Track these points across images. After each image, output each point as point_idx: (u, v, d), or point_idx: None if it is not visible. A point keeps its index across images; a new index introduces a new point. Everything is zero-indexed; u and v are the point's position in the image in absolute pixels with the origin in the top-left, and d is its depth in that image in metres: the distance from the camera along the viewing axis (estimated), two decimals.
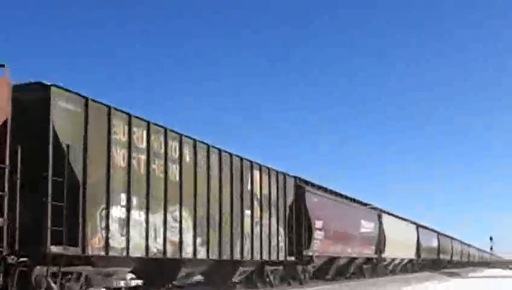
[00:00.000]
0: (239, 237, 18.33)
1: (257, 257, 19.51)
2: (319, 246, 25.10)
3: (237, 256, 18.15)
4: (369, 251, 33.78)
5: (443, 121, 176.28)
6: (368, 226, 33.18)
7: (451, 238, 74.49)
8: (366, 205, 35.95)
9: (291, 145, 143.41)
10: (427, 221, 59.70)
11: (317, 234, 24.84)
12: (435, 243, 58.98)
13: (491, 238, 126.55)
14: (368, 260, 34.17)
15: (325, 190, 28.20)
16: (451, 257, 71.98)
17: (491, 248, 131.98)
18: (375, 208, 37.29)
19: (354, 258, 31.37)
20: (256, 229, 19.53)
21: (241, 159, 18.86)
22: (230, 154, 18.11)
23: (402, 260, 44.09)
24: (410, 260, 47.21)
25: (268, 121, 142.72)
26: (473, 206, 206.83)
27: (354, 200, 32.88)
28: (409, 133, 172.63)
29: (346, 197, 31.66)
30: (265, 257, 20.09)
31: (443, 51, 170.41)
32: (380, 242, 35.46)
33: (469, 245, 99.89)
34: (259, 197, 19.94)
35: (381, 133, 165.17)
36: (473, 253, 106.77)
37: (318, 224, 24.91)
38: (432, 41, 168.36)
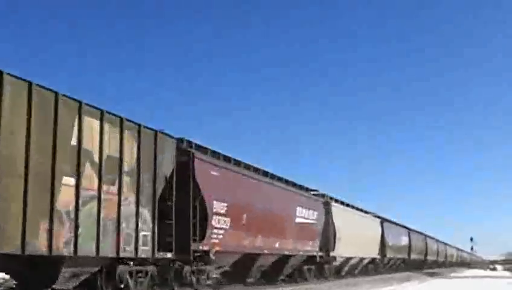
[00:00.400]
0: (45, 217, 11.31)
1: (90, 250, 12.49)
2: (224, 238, 18.11)
3: (40, 248, 11.11)
4: (311, 247, 26.80)
5: (425, 123, 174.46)
6: (307, 216, 26.20)
7: (426, 236, 68.71)
8: (309, 190, 28.85)
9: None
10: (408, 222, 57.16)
11: (218, 222, 17.81)
12: (405, 241, 52.77)
13: (471, 239, 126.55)
14: (310, 258, 26.97)
15: (238, 163, 20.99)
16: (425, 256, 66.21)
17: (472, 249, 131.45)
18: (322, 195, 30.28)
19: (288, 256, 24.25)
20: (89, 208, 12.49)
21: (57, 95, 11.88)
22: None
23: (361, 259, 37.32)
24: (373, 260, 40.53)
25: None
26: (454, 207, 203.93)
27: (287, 182, 25.63)
28: (390, 134, 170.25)
29: (276, 178, 24.42)
30: (108, 251, 13.04)
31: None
32: (327, 237, 28.63)
33: (446, 244, 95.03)
34: (97, 159, 12.92)
35: (363, 132, 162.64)
36: (451, 253, 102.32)
37: (219, 207, 17.87)
38: (442, 56, 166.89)
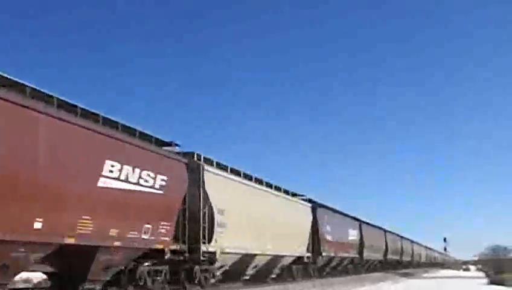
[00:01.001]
0: None
1: None
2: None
3: None
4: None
5: (398, 122, 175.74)
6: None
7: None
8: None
9: None
10: (381, 223, 57.45)
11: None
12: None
13: (445, 239, 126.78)
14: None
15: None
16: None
17: (445, 249, 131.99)
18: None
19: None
20: None
21: None
22: None
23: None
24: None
25: None
26: (427, 208, 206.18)
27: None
28: (363, 134, 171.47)
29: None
30: None
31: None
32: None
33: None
34: None
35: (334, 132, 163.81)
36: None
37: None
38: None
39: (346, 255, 38.75)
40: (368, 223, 47.97)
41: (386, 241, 56.19)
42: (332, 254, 34.80)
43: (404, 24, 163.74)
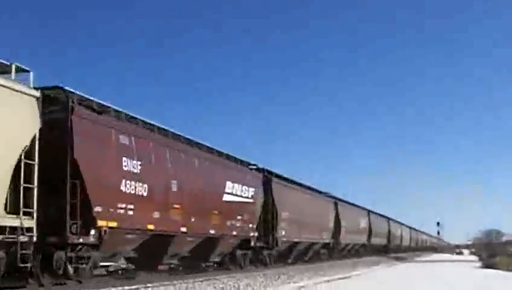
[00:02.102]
0: None
1: None
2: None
3: None
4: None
5: (393, 103, 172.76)
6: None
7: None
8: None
9: None
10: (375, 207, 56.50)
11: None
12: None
13: (438, 224, 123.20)
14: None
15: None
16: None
17: (438, 233, 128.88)
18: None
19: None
20: None
21: None
22: None
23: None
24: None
25: None
26: (420, 192, 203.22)
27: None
28: (354, 113, 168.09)
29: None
30: None
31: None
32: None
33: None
34: None
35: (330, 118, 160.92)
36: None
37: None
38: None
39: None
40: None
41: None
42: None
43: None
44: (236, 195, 21.87)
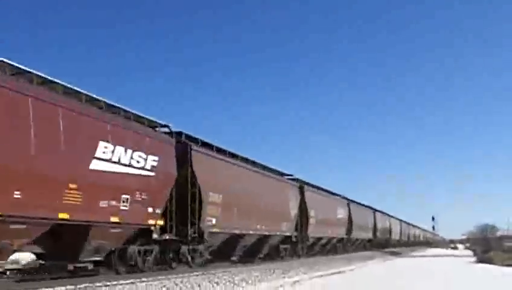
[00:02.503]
0: None
1: None
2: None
3: None
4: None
5: (388, 100, 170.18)
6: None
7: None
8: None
9: None
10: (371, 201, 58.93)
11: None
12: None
13: (433, 218, 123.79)
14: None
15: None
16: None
17: (434, 228, 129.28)
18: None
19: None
20: None
21: None
22: None
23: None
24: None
25: None
26: (416, 187, 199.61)
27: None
28: (352, 113, 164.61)
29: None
30: None
31: None
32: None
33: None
34: None
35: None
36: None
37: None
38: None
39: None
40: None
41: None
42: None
43: None
44: (119, 163, 15.24)
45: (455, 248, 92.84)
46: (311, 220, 32.66)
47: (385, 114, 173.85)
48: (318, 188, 36.95)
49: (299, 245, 31.52)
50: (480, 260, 42.32)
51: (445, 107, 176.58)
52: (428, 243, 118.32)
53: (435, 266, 33.47)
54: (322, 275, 21.04)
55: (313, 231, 33.00)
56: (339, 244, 41.99)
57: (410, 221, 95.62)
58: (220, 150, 22.15)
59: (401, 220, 79.31)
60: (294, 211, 30.24)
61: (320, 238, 35.82)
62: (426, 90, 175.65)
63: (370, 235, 53.67)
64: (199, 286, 14.95)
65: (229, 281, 16.21)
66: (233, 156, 23.45)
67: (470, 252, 64.23)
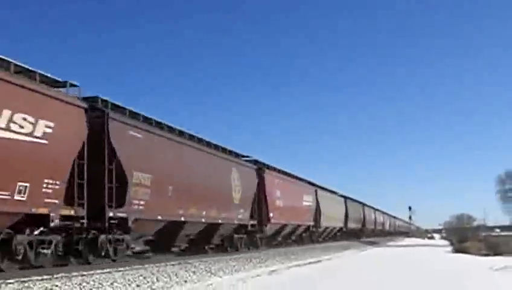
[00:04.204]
0: None
1: None
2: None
3: None
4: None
5: (365, 91, 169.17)
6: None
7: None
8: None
9: None
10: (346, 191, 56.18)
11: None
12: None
13: (410, 208, 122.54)
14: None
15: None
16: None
17: (410, 218, 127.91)
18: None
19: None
20: None
21: None
22: None
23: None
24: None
25: None
26: (392, 176, 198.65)
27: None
28: (326, 99, 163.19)
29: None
30: None
31: None
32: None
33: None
34: None
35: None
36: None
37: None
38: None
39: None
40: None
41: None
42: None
43: None
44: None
45: (432, 238, 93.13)
46: (271, 207, 29.37)
47: (364, 102, 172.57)
48: (280, 171, 33.50)
49: (257, 235, 28.32)
50: (457, 250, 43.17)
51: (425, 98, 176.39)
52: (405, 233, 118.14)
53: (412, 257, 33.82)
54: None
55: (273, 219, 29.61)
56: (305, 234, 39.17)
57: (387, 211, 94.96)
58: (151, 122, 18.53)
59: (376, 209, 78.20)
60: (250, 196, 26.92)
61: (282, 228, 32.63)
62: (403, 78, 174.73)
63: (341, 224, 51.14)
64: (176, 275, 14.68)
65: (206, 270, 16.28)
66: (171, 130, 19.91)
67: (446, 242, 64.15)
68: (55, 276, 11.72)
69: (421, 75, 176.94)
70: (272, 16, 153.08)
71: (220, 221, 23.09)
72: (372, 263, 25.78)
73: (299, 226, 36.33)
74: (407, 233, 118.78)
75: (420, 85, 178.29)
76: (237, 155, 26.88)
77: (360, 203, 63.82)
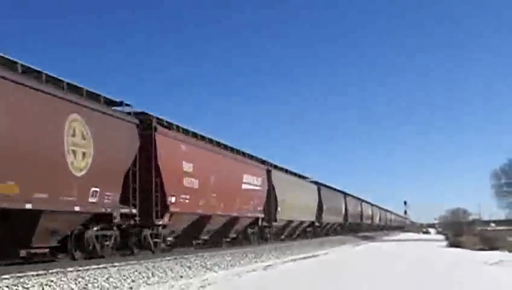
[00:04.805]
0: None
1: None
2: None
3: None
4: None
5: (359, 86, 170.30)
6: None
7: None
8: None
9: None
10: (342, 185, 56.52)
11: None
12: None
13: (405, 203, 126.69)
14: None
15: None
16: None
17: (406, 212, 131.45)
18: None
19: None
20: None
21: None
22: None
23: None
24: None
25: None
26: (388, 171, 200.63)
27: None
28: (323, 95, 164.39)
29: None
30: None
31: None
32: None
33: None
34: None
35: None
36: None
37: None
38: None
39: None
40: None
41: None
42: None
43: None
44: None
45: (427, 232, 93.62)
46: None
47: (359, 96, 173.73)
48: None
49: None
50: (452, 244, 43.05)
51: (420, 92, 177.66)
52: (401, 228, 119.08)
53: (407, 251, 34.09)
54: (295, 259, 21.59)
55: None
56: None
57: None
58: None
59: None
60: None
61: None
62: (399, 73, 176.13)
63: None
64: (171, 270, 14.70)
65: (201, 265, 16.17)
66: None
67: (441, 237, 64.44)
68: (50, 271, 11.89)
69: (417, 70, 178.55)
70: (278, 15, 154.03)
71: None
72: (368, 257, 26.32)
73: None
74: (402, 228, 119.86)
75: (415, 80, 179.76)
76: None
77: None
